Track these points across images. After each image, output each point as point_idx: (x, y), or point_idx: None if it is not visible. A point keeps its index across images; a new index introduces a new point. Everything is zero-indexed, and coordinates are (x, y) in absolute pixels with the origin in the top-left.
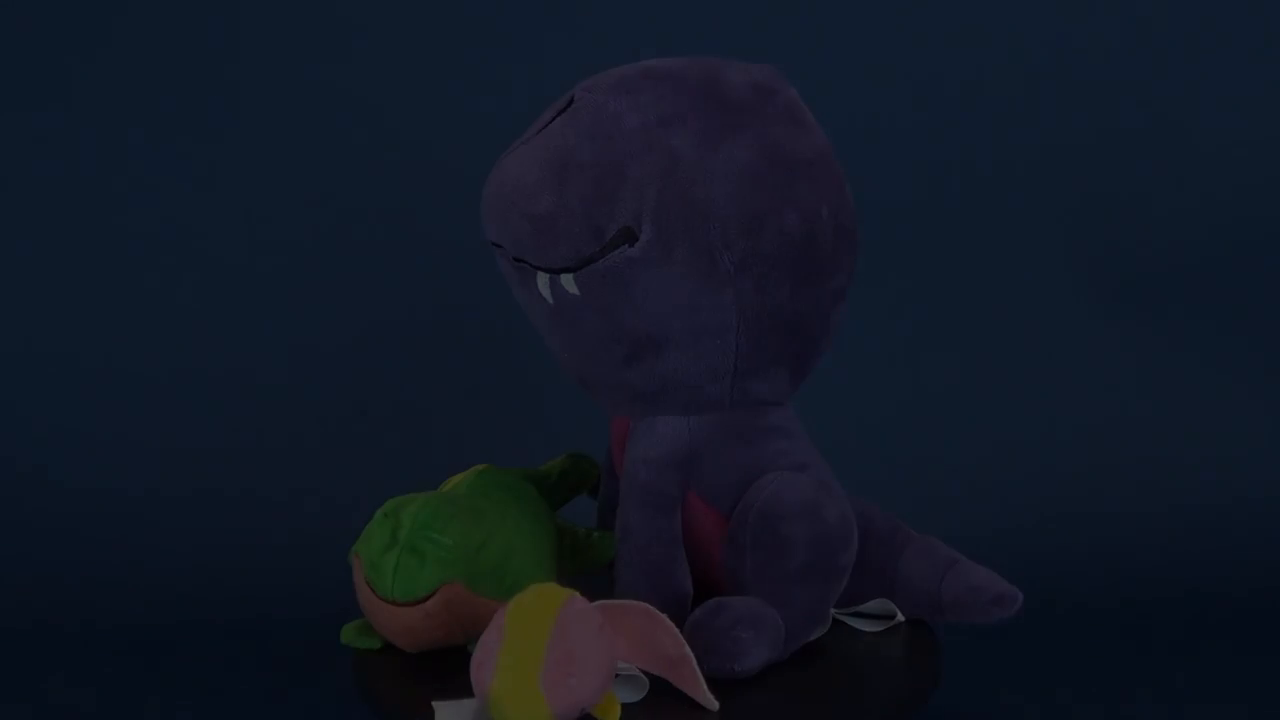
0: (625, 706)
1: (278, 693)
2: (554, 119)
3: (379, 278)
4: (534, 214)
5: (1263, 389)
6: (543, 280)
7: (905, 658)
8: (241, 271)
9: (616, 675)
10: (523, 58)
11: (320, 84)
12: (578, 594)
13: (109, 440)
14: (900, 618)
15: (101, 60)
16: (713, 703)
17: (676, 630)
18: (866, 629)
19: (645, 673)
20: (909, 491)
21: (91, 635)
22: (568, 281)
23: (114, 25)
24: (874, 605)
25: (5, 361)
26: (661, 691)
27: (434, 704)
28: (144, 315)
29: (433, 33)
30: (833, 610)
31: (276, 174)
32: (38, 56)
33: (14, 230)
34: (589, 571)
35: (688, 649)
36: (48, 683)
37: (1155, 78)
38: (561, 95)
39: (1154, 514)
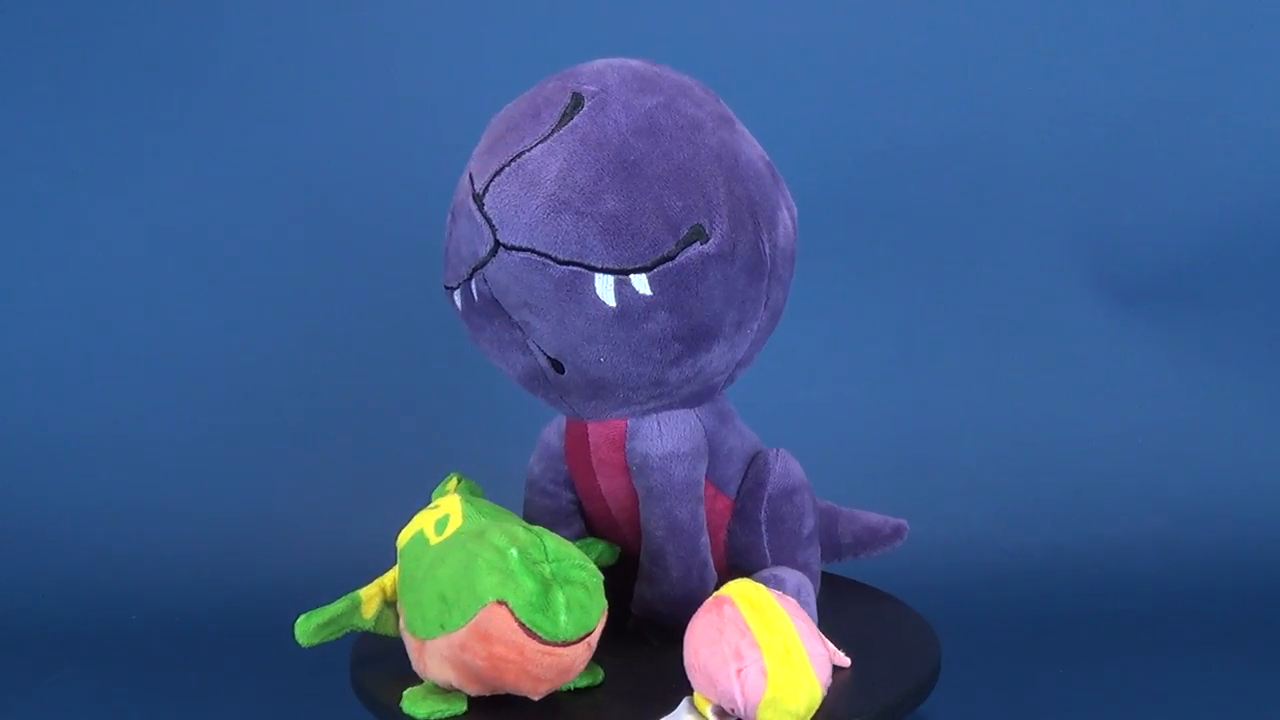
0: None
1: (278, 693)
2: (572, 115)
3: (374, 280)
4: (602, 213)
5: (1264, 389)
6: (605, 282)
7: (903, 656)
8: (238, 274)
9: None
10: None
11: (307, 87)
12: None
13: (109, 442)
14: None
15: (82, 57)
16: (845, 659)
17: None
18: None
19: None
20: (909, 490)
21: (92, 636)
22: (639, 282)
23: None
24: None
25: (5, 363)
26: None
27: None
28: (142, 316)
29: (427, 30)
30: None
31: (271, 173)
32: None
33: (7, 232)
34: None
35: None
36: (48, 683)
37: (1159, 76)
38: (536, 92)
39: (1155, 513)
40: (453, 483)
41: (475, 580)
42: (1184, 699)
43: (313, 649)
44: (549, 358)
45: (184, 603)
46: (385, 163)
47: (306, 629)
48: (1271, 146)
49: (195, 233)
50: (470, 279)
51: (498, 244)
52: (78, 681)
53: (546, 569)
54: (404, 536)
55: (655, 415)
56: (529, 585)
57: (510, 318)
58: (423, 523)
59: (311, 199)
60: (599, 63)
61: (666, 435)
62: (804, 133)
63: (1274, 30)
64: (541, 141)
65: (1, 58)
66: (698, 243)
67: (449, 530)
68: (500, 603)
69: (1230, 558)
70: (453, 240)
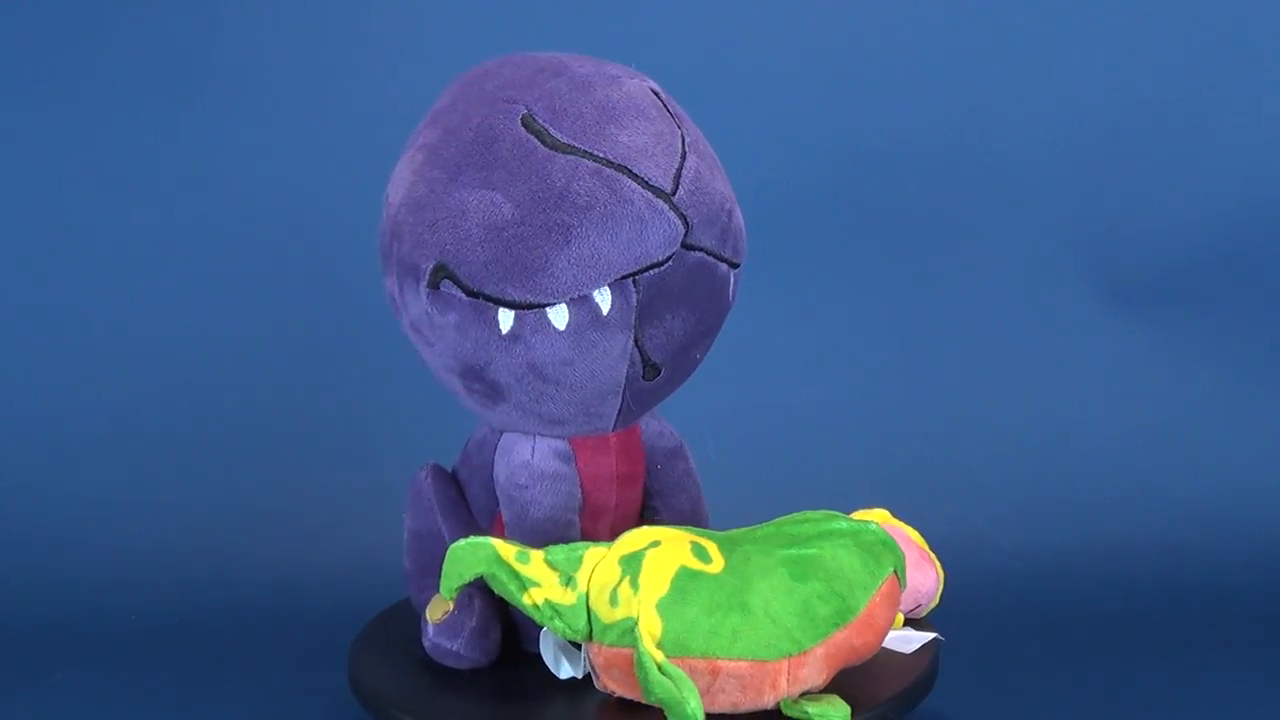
0: None
1: (277, 693)
2: (669, 111)
3: (378, 280)
4: (738, 210)
5: (1264, 389)
6: (733, 278)
7: (902, 655)
8: (239, 273)
9: None
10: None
11: (307, 88)
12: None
13: (108, 441)
14: None
15: (79, 58)
16: None
17: None
18: None
19: None
20: (909, 490)
21: (92, 636)
22: (737, 275)
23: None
24: None
25: (4, 362)
26: None
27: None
28: (141, 316)
29: (426, 35)
30: None
31: (272, 173)
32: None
33: (3, 232)
34: None
35: None
36: (48, 683)
37: (1160, 76)
38: (606, 82)
39: (1155, 514)
40: (511, 548)
41: (865, 563)
42: (1184, 699)
43: (310, 648)
44: (650, 364)
45: (184, 603)
46: (388, 164)
47: (699, 711)
48: (1272, 147)
49: (194, 232)
50: (600, 287)
51: (684, 244)
52: (78, 681)
53: (874, 526)
54: (654, 590)
55: (648, 414)
56: (898, 549)
57: (630, 326)
58: (676, 559)
59: (314, 199)
60: (594, 60)
61: (669, 429)
62: (803, 132)
63: (1274, 31)
64: (683, 138)
65: None
66: None
67: (716, 554)
68: (894, 571)
69: (1230, 558)
70: (581, 246)
